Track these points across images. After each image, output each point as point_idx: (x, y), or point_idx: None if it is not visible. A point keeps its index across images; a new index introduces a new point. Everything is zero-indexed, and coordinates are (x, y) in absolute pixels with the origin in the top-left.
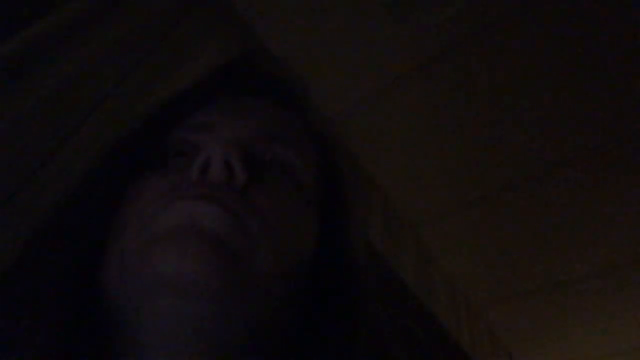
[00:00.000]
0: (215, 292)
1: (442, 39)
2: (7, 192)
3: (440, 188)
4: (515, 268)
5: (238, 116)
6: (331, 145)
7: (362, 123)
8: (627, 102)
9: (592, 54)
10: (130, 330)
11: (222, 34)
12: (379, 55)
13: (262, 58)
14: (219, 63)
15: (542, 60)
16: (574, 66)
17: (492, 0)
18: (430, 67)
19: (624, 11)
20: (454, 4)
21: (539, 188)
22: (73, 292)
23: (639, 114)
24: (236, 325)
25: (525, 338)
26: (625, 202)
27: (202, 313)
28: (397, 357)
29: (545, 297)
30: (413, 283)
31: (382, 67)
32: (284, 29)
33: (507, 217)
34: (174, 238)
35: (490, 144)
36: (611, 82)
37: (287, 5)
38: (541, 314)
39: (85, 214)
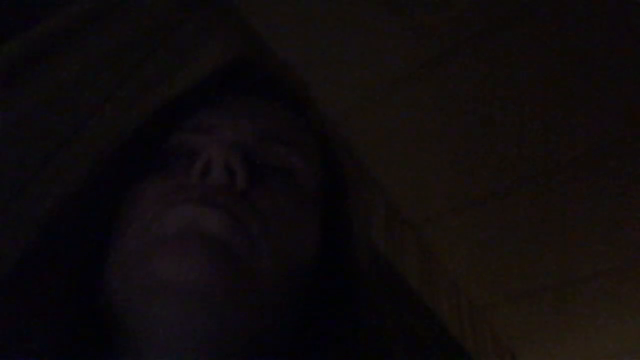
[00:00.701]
0: (217, 296)
1: (446, 39)
2: (8, 194)
3: (443, 189)
4: (519, 269)
5: (239, 117)
6: (333, 146)
7: (364, 123)
8: (630, 105)
9: (598, 56)
10: (132, 334)
11: (224, 34)
12: (382, 55)
13: (263, 58)
14: (220, 64)
15: (547, 61)
16: (579, 67)
17: (496, 1)
18: (434, 68)
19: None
20: (456, 4)
21: (542, 189)
22: (74, 294)
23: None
24: (238, 329)
25: (529, 339)
26: (628, 203)
27: (204, 317)
28: (400, 359)
29: (548, 298)
30: (416, 284)
31: (385, 67)
32: (285, 29)
33: (510, 218)
34: (175, 242)
35: (494, 144)
36: (616, 83)
37: (289, 5)
38: (545, 315)
39: (86, 215)
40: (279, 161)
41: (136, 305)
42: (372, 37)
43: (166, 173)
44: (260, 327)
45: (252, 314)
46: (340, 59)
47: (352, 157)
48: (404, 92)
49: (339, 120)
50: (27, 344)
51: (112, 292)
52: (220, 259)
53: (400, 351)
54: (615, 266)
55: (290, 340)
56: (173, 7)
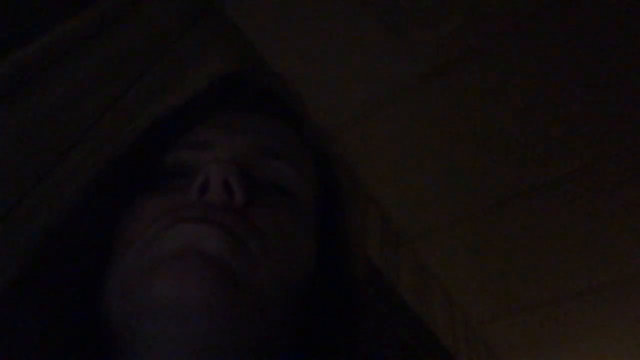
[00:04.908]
0: (216, 315)
1: (440, 55)
2: (7, 205)
3: (437, 203)
4: (513, 283)
5: (235, 133)
6: (329, 160)
7: (360, 138)
8: (627, 118)
9: (584, 70)
10: (131, 350)
11: (222, 50)
12: (377, 70)
13: (259, 73)
14: (216, 78)
15: (538, 76)
16: (570, 82)
17: (489, 18)
18: (428, 83)
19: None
20: (450, 21)
21: (536, 203)
22: (73, 308)
23: (637, 129)
24: (237, 346)
25: (523, 352)
26: (620, 219)
27: (203, 336)
28: None
29: (542, 312)
30: (411, 298)
31: (380, 83)
32: (283, 45)
33: (504, 231)
34: (174, 261)
35: (488, 158)
36: (614, 97)
37: (286, 21)
38: (538, 329)
39: (83, 232)
40: (275, 176)
41: (136, 323)
42: (368, 54)
43: (164, 190)
44: (259, 343)
45: (251, 330)
46: (337, 74)
47: (348, 171)
48: (399, 107)
49: (335, 134)
50: (25, 356)
51: (111, 309)
52: (220, 278)
53: None
54: (609, 281)
55: (288, 352)
56: (173, 22)
